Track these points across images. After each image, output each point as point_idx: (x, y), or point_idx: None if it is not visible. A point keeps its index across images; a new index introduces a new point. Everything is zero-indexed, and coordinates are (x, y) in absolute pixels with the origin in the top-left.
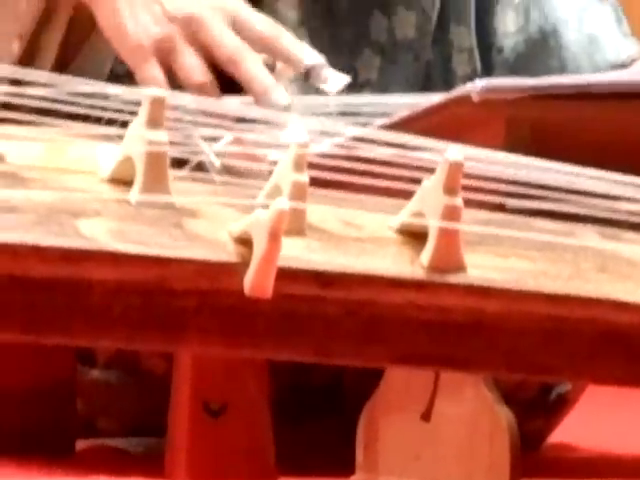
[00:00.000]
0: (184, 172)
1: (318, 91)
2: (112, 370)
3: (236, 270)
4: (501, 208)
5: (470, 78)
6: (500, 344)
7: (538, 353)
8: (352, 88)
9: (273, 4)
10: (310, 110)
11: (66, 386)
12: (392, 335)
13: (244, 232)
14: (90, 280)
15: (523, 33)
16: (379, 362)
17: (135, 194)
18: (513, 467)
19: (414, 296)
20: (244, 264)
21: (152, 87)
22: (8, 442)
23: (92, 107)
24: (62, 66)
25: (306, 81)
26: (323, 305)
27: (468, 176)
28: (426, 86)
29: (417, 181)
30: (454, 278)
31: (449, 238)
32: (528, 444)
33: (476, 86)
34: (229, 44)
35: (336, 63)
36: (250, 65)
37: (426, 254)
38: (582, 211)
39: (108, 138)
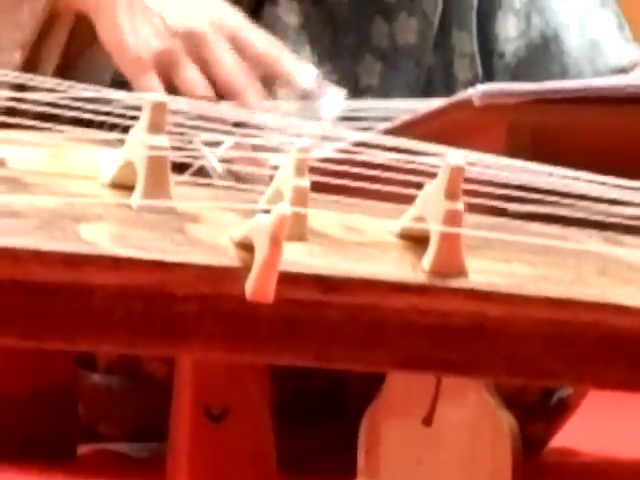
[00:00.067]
0: (185, 177)
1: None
2: (113, 375)
3: (237, 275)
4: (502, 212)
5: (471, 83)
6: (501, 349)
7: (539, 358)
8: (353, 94)
9: (274, 9)
10: (311, 115)
11: (67, 391)
12: (393, 340)
13: (245, 237)
14: (91, 285)
15: (524, 38)
16: (380, 367)
17: (136, 199)
18: (515, 472)
19: (416, 301)
20: (245, 269)
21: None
22: (9, 447)
23: (94, 112)
24: (62, 75)
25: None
26: (324, 310)
27: (469, 181)
28: (427, 91)
29: (418, 186)
30: (456, 283)
31: (450, 243)
32: (529, 448)
33: (477, 91)
34: (229, 66)
35: (337, 69)
36: (247, 101)
37: (427, 259)
38: (584, 216)
39: (110, 143)
